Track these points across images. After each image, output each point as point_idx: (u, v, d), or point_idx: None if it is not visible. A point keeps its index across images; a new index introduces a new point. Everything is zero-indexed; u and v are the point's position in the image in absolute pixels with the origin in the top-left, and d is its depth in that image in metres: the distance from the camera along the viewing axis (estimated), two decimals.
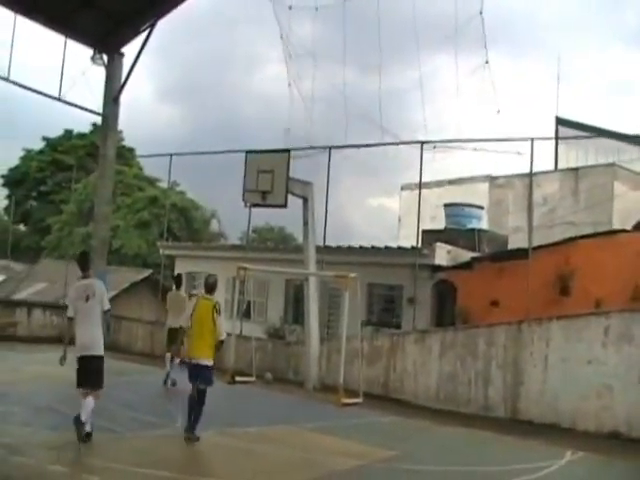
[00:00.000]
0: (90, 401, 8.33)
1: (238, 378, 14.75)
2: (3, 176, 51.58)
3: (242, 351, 15.57)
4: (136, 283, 28.96)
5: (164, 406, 11.70)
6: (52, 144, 49.38)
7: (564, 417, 12.82)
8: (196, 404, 9.31)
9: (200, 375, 9.29)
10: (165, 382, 14.30)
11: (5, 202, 52.68)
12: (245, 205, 17.24)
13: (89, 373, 8.47)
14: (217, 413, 9.76)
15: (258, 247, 28.49)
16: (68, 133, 49.34)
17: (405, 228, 27.09)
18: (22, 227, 51.89)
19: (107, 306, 8.80)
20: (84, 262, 9.11)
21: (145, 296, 28.09)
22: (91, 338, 8.52)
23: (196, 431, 9.28)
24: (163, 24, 20.33)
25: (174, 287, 15.62)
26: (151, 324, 21.54)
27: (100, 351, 8.61)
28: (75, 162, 35.09)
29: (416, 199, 18.56)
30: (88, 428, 8.35)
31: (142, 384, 14.78)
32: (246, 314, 20.31)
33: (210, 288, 9.75)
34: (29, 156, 50.36)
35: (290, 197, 16.26)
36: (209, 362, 9.33)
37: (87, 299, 8.59)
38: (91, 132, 45.35)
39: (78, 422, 8.19)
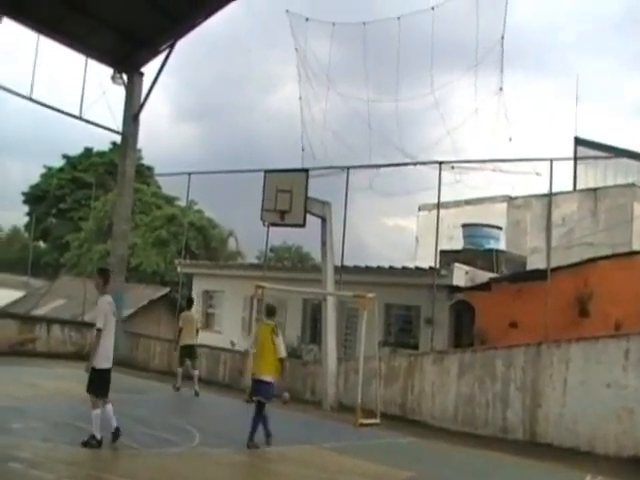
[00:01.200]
0: (110, 407, 9.01)
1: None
2: (24, 193, 52.27)
3: None
4: (154, 301, 29.10)
5: (181, 424, 11.69)
6: (72, 162, 49.97)
7: (583, 440, 12.66)
8: (255, 414, 10.14)
9: (261, 390, 10.18)
10: (176, 388, 15.98)
11: (26, 219, 53.39)
12: (263, 224, 17.26)
13: (108, 384, 9.08)
14: (235, 431, 9.77)
15: (275, 266, 28.49)
16: (88, 151, 49.89)
17: (422, 248, 27.02)
18: (42, 244, 52.37)
19: None
20: (107, 277, 9.54)
21: (163, 314, 28.21)
22: (112, 351, 9.15)
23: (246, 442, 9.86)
24: (182, 45, 20.70)
25: (186, 308, 16.95)
26: (168, 342, 21.62)
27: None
28: (94, 180, 35.38)
29: (433, 219, 18.47)
30: (115, 424, 9.01)
31: (159, 401, 14.82)
32: None
33: (270, 313, 10.85)
34: (49, 173, 51.03)
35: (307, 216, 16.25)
36: (269, 378, 10.22)
37: (114, 314, 9.22)
38: (110, 150, 45.85)
39: (117, 434, 8.96)
